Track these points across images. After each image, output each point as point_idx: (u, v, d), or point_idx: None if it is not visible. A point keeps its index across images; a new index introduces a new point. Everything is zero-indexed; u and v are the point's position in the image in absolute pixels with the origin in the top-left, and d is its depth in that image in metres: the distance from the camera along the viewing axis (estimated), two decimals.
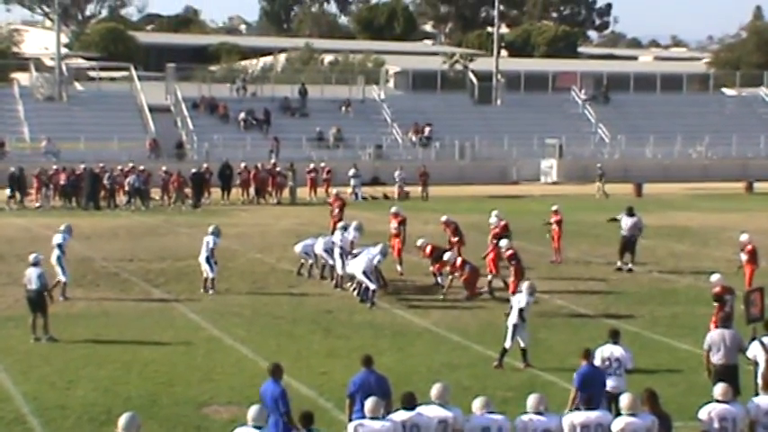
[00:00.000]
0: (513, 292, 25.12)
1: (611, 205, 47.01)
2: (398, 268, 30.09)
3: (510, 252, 26.25)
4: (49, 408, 17.53)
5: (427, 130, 67.88)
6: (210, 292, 27.37)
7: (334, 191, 42.70)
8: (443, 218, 32.27)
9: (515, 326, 19.96)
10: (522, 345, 20.01)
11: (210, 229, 28.28)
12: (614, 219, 32.96)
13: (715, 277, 21.51)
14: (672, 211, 47.98)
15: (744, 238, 27.33)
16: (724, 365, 16.75)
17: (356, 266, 26.47)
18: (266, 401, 13.73)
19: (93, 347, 21.68)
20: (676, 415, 13.73)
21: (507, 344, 19.98)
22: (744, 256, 26.80)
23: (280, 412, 13.60)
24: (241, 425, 12.45)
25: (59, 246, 26.68)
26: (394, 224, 31.55)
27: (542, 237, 34.04)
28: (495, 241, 28.69)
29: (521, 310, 20.03)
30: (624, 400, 12.79)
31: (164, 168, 51.51)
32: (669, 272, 31.35)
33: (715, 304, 20.85)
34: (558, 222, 33.06)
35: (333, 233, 31.35)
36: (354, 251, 27.62)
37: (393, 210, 32.50)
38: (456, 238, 30.93)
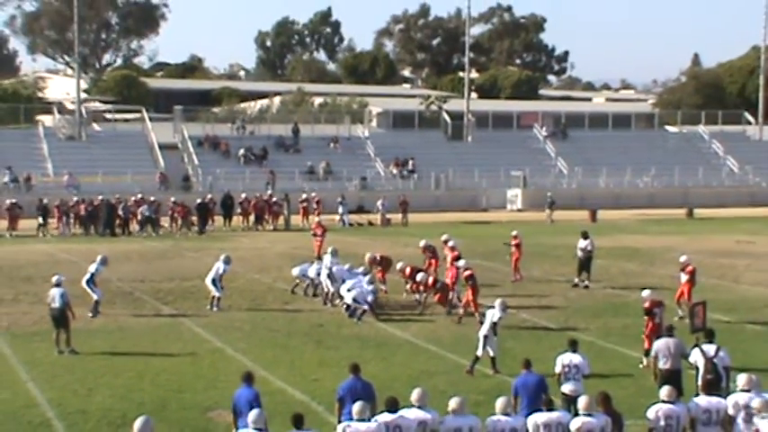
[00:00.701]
0: (469, 306, 25.46)
1: (558, 230, 47.24)
2: (382, 287, 30.09)
3: (468, 272, 26.33)
4: (71, 412, 17.51)
5: (411, 163, 67.91)
6: (215, 309, 27.34)
7: (316, 219, 42.59)
8: (422, 243, 32.35)
9: (486, 336, 20.01)
10: (492, 354, 20.05)
11: (222, 257, 28.15)
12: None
13: (646, 293, 21.48)
14: (623, 234, 48.11)
15: (683, 259, 26.98)
16: (669, 370, 16.85)
17: (349, 295, 26.44)
18: (240, 404, 13.83)
19: (110, 359, 21.65)
20: (627, 414, 13.78)
21: (479, 352, 20.02)
22: (684, 276, 26.35)
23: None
24: (243, 427, 12.45)
25: (92, 273, 26.63)
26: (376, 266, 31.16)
27: (507, 257, 34.05)
28: (454, 263, 28.84)
29: (494, 324, 20.09)
30: (582, 402, 12.86)
31: (172, 199, 51.50)
32: (621, 288, 31.42)
33: (645, 317, 20.96)
34: (518, 245, 33.07)
35: (318, 256, 32.17)
36: (348, 278, 27.54)
37: (368, 256, 31.44)
38: (434, 260, 31.03)
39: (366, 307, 25.98)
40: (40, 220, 48.42)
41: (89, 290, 26.32)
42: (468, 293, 25.93)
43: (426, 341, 23.42)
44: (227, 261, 27.94)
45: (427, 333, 24.38)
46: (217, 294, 27.57)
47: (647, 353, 20.38)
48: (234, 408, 14.02)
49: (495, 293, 28.20)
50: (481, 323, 21.17)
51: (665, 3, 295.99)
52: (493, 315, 20.18)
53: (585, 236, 31.84)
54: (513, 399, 14.45)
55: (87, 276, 26.52)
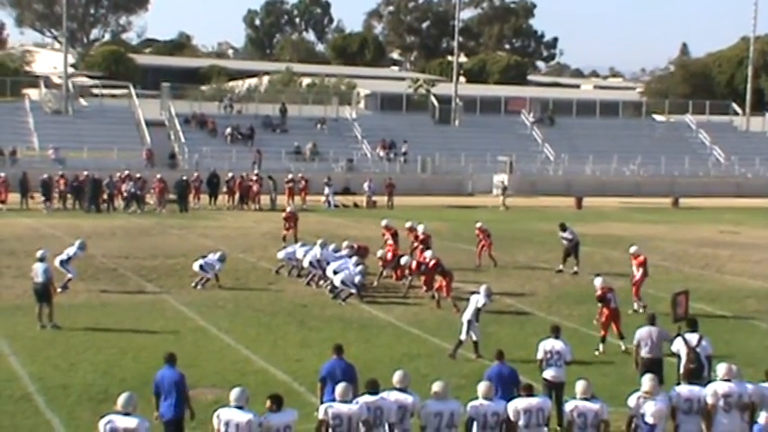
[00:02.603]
0: (441, 291, 25.41)
1: (509, 218, 47.09)
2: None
3: (434, 262, 26.41)
4: (52, 387, 17.48)
5: (405, 147, 67.77)
6: (200, 287, 27.29)
7: (288, 208, 41.08)
8: (408, 224, 32.37)
9: (469, 321, 20.02)
10: (475, 338, 20.06)
11: (218, 255, 28.01)
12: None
13: (598, 281, 21.56)
14: (608, 222, 48.20)
15: (633, 249, 26.41)
16: (650, 359, 16.90)
17: (337, 277, 26.41)
18: (163, 385, 13.74)
19: (92, 334, 21.61)
20: (608, 402, 13.78)
21: (462, 336, 20.02)
22: (636, 268, 25.64)
23: (179, 394, 13.67)
24: (224, 405, 12.43)
25: (69, 256, 26.50)
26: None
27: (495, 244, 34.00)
28: (421, 247, 29.22)
29: (478, 309, 20.10)
30: (579, 386, 12.86)
31: (158, 176, 51.35)
32: (604, 275, 31.25)
33: (600, 305, 21.18)
34: (487, 236, 32.74)
35: (284, 239, 34.21)
36: (333, 260, 27.49)
37: (345, 244, 29.94)
38: (393, 245, 30.49)
39: (354, 290, 25.96)
40: (42, 196, 48.26)
41: (63, 269, 26.16)
42: (440, 281, 25.84)
43: (409, 324, 23.44)
44: (221, 259, 27.87)
45: (410, 316, 24.40)
46: (208, 275, 27.50)
47: (603, 339, 20.78)
48: (156, 389, 13.82)
49: (479, 278, 28.29)
50: (457, 308, 21.19)
51: None
52: (477, 300, 20.17)
53: (564, 228, 31.79)
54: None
55: (63, 257, 26.40)
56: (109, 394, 16.21)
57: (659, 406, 12.70)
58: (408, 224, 32.51)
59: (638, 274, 25.69)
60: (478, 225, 33.50)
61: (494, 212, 51.26)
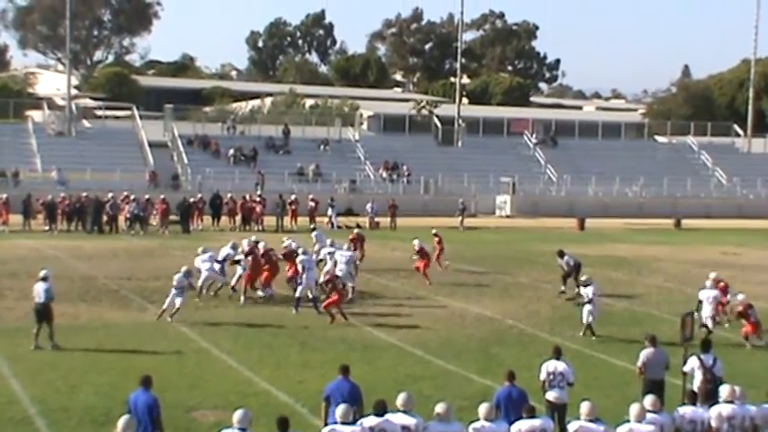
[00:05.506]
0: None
1: (465, 238, 46.94)
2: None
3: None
4: (53, 410, 17.41)
5: (404, 168, 67.84)
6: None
7: (355, 230, 39.63)
8: (433, 231, 35.64)
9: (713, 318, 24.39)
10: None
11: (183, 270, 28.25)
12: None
13: (739, 297, 25.01)
14: (610, 243, 48.11)
15: (740, 297, 25.74)
16: (653, 380, 16.88)
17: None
18: (137, 409, 13.56)
19: (94, 356, 21.56)
20: (611, 423, 13.74)
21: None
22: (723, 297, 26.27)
23: (151, 418, 13.51)
24: (226, 427, 12.38)
25: (224, 258, 29.42)
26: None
27: (494, 263, 34.01)
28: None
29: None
30: (584, 408, 12.86)
31: (161, 197, 51.31)
32: (607, 296, 31.33)
33: (741, 320, 24.48)
34: (421, 252, 33.21)
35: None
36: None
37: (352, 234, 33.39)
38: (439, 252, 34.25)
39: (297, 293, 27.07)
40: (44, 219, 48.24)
41: (217, 274, 28.90)
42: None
43: (413, 345, 23.38)
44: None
45: (413, 337, 24.33)
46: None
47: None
48: (129, 413, 13.44)
49: (483, 297, 28.25)
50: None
51: (657, 14, 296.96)
52: (711, 296, 24.46)
53: (561, 255, 31.79)
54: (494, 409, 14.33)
55: (219, 259, 29.07)
56: (110, 417, 16.10)
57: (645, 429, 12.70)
58: (433, 231, 35.71)
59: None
60: (434, 231, 35.99)
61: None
